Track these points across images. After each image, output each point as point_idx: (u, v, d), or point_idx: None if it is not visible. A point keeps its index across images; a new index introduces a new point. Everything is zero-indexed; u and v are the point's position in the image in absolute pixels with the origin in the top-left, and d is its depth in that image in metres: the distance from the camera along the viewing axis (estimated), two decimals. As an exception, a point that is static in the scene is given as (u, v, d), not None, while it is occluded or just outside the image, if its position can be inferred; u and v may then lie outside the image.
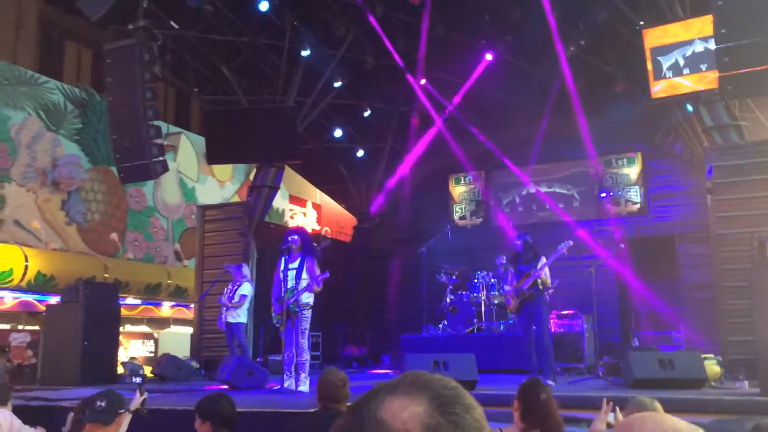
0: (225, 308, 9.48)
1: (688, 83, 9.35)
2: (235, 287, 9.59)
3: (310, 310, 7.40)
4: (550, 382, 7.69)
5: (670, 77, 9.45)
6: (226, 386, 7.86)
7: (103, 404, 3.15)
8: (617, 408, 3.81)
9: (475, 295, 11.25)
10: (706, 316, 10.56)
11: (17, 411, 5.18)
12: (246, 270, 9.95)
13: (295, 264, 7.36)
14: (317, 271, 7.32)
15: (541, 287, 7.95)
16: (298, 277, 7.29)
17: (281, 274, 7.43)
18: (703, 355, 7.37)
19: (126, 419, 3.39)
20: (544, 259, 8.04)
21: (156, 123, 9.89)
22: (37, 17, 14.50)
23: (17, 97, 12.90)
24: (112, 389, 3.42)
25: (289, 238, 7.46)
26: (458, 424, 0.74)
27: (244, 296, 9.50)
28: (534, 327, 8.02)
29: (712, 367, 7.33)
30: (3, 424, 4.78)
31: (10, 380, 9.24)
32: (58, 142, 13.57)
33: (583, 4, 10.56)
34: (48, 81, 13.62)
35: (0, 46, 13.48)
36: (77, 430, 3.17)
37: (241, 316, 9.50)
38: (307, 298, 7.34)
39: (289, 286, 7.30)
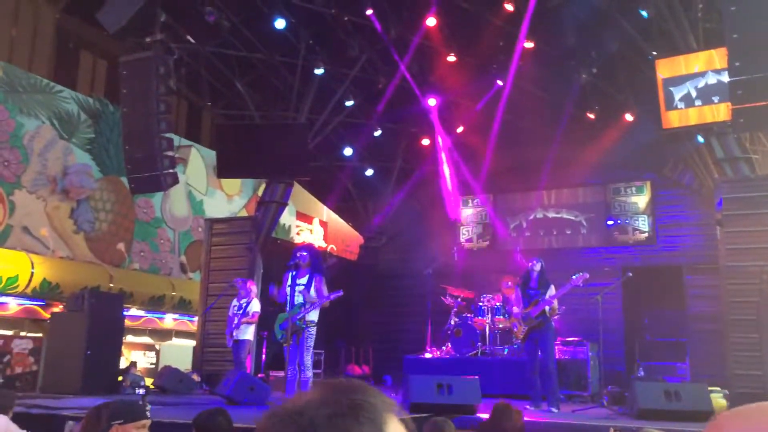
0: (236, 325, 9.41)
1: (699, 114, 9.36)
2: (243, 303, 9.55)
3: (315, 327, 7.38)
4: (553, 409, 7.63)
5: (681, 108, 9.47)
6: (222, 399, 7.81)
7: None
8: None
9: (480, 318, 11.20)
10: (712, 348, 10.47)
11: (17, 418, 5.15)
12: (254, 286, 9.92)
13: (304, 280, 7.35)
14: (324, 290, 7.31)
15: (549, 315, 7.86)
16: (306, 294, 7.27)
17: (288, 290, 7.42)
18: (709, 388, 7.30)
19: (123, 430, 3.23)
20: (553, 288, 7.94)
21: (168, 135, 9.95)
22: (54, 26, 14.65)
23: (32, 105, 13.02)
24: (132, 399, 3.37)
25: (298, 254, 7.45)
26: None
27: (256, 313, 9.47)
28: (539, 353, 7.94)
29: (718, 400, 7.26)
30: None
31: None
32: (69, 150, 13.66)
33: (596, 33, 10.63)
34: (63, 90, 13.74)
35: (16, 53, 13.62)
36: None
37: (248, 333, 9.45)
38: (313, 315, 7.32)
39: (296, 303, 7.28)
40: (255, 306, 9.49)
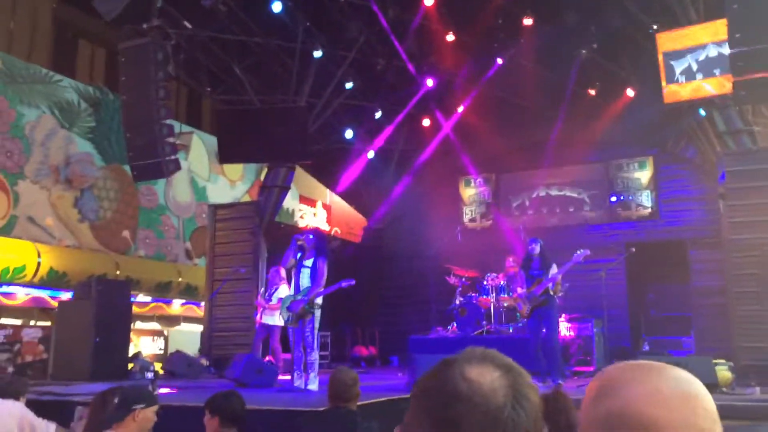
0: (262, 308, 9.65)
1: (701, 87, 9.31)
2: (273, 289, 9.68)
3: (320, 310, 7.45)
4: (560, 381, 7.70)
5: (683, 82, 9.42)
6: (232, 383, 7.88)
7: (116, 400, 3.16)
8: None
9: (484, 297, 11.25)
10: (717, 321, 10.51)
11: (29, 405, 5.22)
12: (284, 272, 9.96)
13: (309, 263, 7.43)
14: (325, 273, 7.36)
15: (552, 293, 7.97)
16: (312, 277, 7.34)
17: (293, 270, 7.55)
18: (714, 361, 7.33)
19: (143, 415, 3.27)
20: (555, 267, 8.03)
21: (169, 122, 9.95)
22: (52, 15, 14.59)
23: (32, 95, 13.00)
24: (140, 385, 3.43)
25: (304, 237, 7.52)
26: (522, 394, 0.90)
27: (281, 299, 9.56)
28: (543, 330, 8.05)
29: (723, 372, 7.29)
30: (13, 415, 4.80)
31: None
32: (71, 139, 13.65)
33: (596, 8, 10.54)
34: (62, 79, 13.70)
35: (15, 43, 13.58)
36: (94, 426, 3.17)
37: (279, 318, 9.53)
38: (319, 298, 7.41)
39: (303, 287, 7.36)
40: (282, 292, 9.54)
